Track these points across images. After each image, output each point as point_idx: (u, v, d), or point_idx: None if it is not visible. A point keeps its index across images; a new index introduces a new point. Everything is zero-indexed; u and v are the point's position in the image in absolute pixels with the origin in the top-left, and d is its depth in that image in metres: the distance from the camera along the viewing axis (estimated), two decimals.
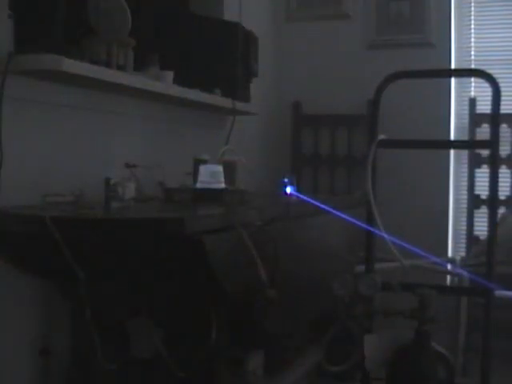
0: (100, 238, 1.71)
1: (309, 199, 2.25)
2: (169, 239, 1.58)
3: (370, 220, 2.08)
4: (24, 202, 1.86)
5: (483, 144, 2.58)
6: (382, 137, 2.10)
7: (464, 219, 3.48)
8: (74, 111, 2.10)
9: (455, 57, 3.52)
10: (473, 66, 3.48)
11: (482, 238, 3.34)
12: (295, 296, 2.04)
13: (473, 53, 3.52)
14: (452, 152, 3.52)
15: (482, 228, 3.35)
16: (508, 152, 3.36)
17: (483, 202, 3.37)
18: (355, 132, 3.60)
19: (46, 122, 1.99)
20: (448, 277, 3.38)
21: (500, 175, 2.10)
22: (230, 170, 2.26)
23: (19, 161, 1.87)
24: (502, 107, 2.04)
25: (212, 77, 2.74)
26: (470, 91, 3.52)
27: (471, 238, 3.41)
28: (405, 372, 1.92)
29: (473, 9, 3.51)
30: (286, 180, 2.42)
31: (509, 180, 3.35)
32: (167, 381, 1.75)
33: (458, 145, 3.22)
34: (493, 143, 2.03)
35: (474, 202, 3.41)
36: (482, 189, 3.36)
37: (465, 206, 3.47)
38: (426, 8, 3.50)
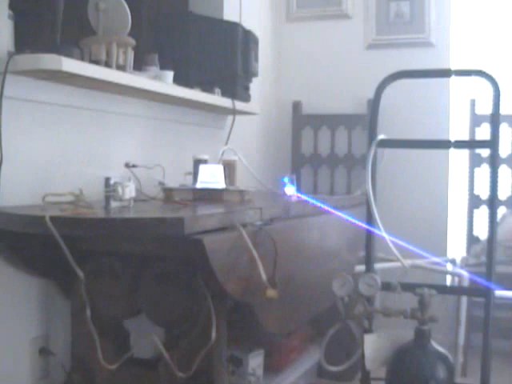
0: (100, 237, 1.71)
1: (309, 199, 2.25)
2: (169, 239, 1.58)
3: (370, 220, 2.08)
4: (24, 201, 1.86)
5: (483, 144, 2.57)
6: (381, 136, 2.10)
7: (464, 219, 3.48)
8: (74, 111, 2.10)
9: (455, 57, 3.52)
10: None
11: (481, 237, 3.34)
12: (295, 296, 2.04)
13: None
14: (452, 152, 3.52)
15: (482, 228, 3.35)
16: (508, 152, 3.36)
17: (483, 202, 3.37)
18: (355, 132, 3.60)
19: (45, 122, 1.99)
20: (448, 277, 3.38)
21: (500, 175, 2.10)
22: (229, 170, 2.27)
23: (19, 161, 1.87)
24: (501, 107, 2.04)
25: (212, 77, 2.74)
26: (469, 91, 3.51)
27: (471, 238, 3.41)
28: (405, 372, 1.92)
29: None
30: (285, 180, 2.42)
31: (509, 180, 3.36)
32: (167, 381, 1.75)
33: (458, 145, 3.19)
34: (493, 143, 2.03)
35: (474, 202, 3.42)
36: (482, 189, 3.36)
37: (465, 206, 3.48)
38: (426, 8, 3.50)
